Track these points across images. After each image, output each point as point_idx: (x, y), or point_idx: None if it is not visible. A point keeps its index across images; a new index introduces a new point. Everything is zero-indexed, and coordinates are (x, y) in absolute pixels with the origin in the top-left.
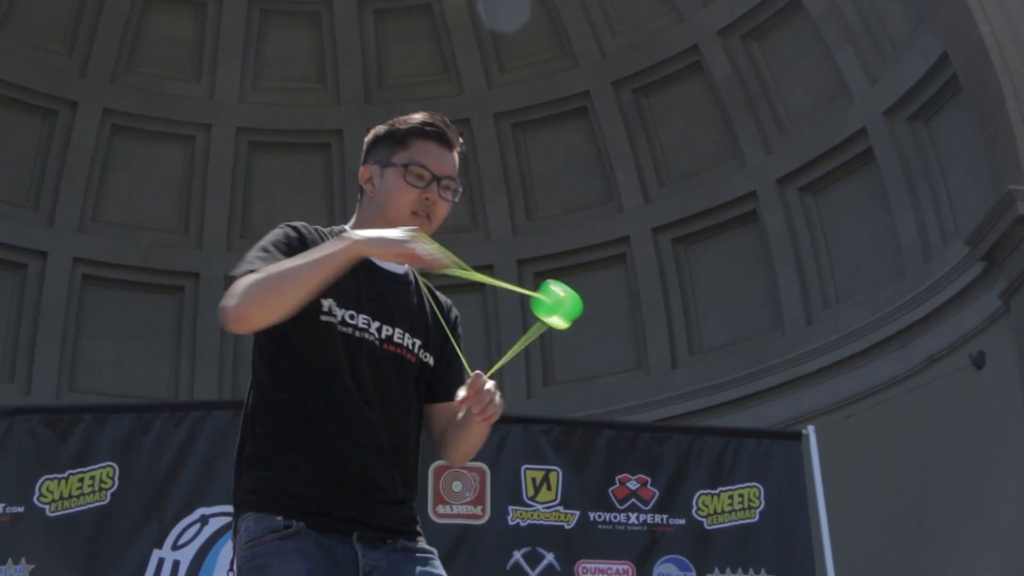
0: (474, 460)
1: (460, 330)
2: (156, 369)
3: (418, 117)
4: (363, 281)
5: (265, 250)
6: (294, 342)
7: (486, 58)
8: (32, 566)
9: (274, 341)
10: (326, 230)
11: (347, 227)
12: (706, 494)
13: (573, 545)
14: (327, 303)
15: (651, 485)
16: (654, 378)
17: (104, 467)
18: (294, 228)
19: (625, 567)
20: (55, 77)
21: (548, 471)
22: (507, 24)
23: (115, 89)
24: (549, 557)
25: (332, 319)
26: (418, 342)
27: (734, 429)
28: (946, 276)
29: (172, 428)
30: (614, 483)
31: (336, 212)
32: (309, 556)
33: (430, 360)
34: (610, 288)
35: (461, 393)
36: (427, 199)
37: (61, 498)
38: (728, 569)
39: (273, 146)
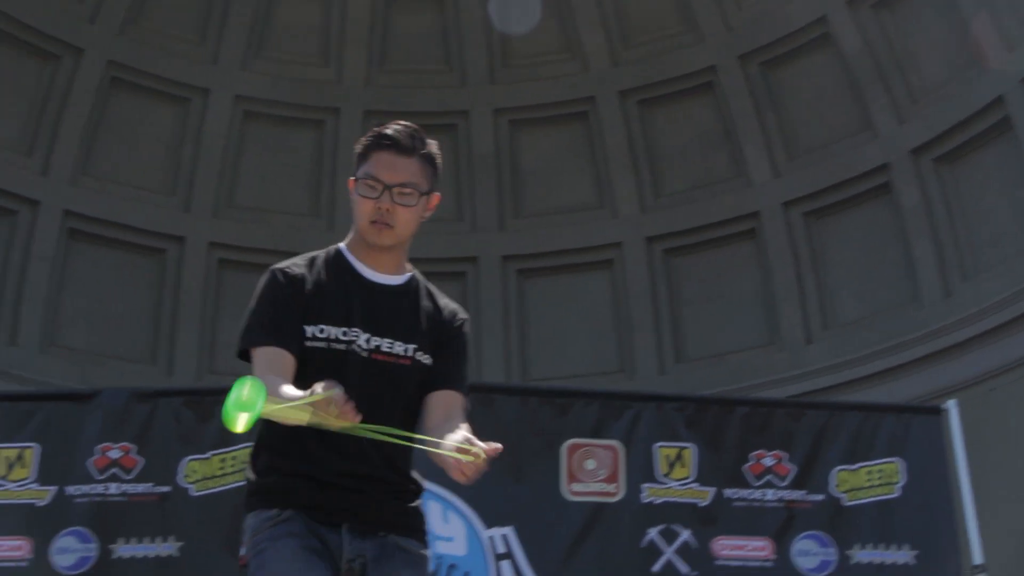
0: (607, 438)
1: (465, 329)
2: None
3: (380, 128)
4: (354, 297)
5: (259, 312)
6: None
7: (611, 35)
8: (181, 543)
9: None
10: (322, 253)
11: (343, 245)
12: (844, 470)
13: (709, 522)
14: (311, 330)
15: (787, 461)
16: (788, 354)
17: (245, 447)
18: (282, 273)
19: (762, 544)
20: (188, 66)
21: (682, 448)
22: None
23: (246, 75)
24: (685, 534)
25: (317, 343)
26: (412, 347)
27: (872, 404)
28: None
29: None
30: (749, 460)
31: (463, 190)
32: (300, 535)
33: (427, 360)
34: (741, 264)
35: (453, 439)
36: (380, 208)
37: (204, 478)
38: (869, 545)
39: None
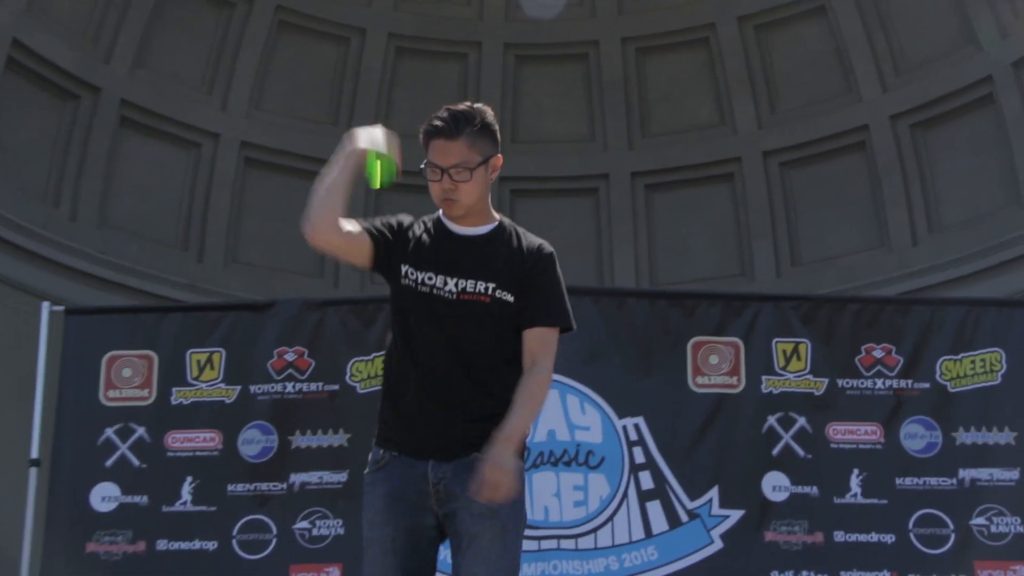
0: (729, 336)
1: (548, 261)
2: None
3: (431, 119)
4: (441, 247)
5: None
6: (392, 299)
7: None
8: (349, 435)
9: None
10: (430, 216)
11: (440, 213)
12: (949, 359)
13: (823, 410)
14: (404, 268)
15: (895, 353)
16: (895, 255)
17: None
18: (396, 219)
19: (873, 428)
20: (347, 9)
21: (798, 343)
22: None
23: (398, 15)
24: (801, 421)
25: (410, 281)
26: (491, 285)
27: (975, 299)
28: None
29: None
30: (860, 352)
31: (595, 114)
32: (391, 480)
33: (508, 297)
34: (851, 173)
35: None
36: (444, 189)
37: (369, 377)
38: (972, 428)
39: (537, 59)
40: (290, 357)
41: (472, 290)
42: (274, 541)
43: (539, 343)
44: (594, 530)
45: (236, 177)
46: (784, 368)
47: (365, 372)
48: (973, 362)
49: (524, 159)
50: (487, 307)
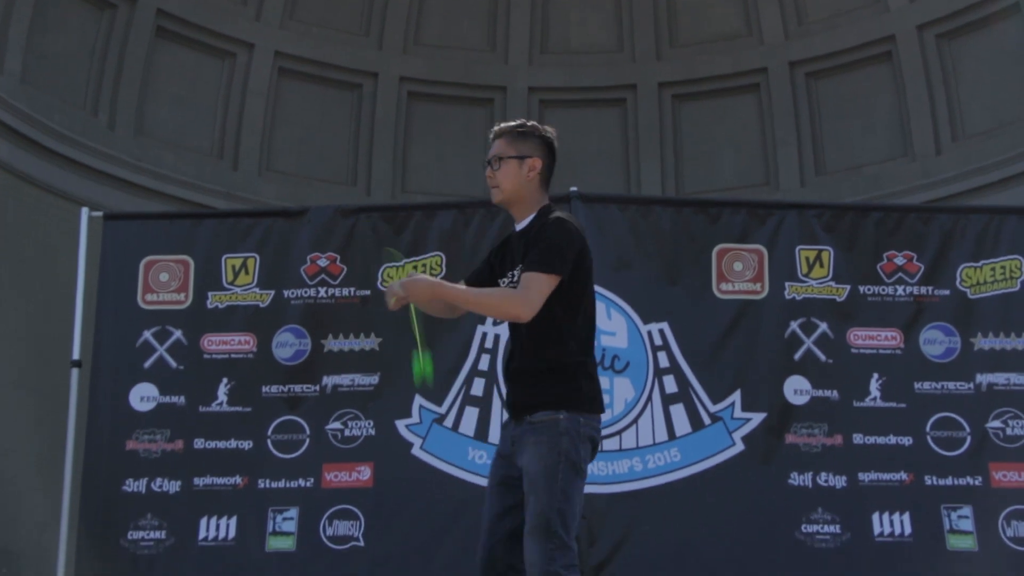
0: (752, 243)
1: (537, 229)
2: (473, 171)
3: None
4: (503, 249)
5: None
6: None
7: None
8: (380, 339)
9: None
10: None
11: None
12: (969, 267)
13: (844, 315)
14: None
15: (917, 260)
16: (919, 164)
17: (433, 256)
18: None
19: (893, 333)
20: None
21: (820, 250)
22: None
23: None
24: (823, 326)
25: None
26: (516, 271)
27: (996, 207)
28: None
29: (489, 221)
30: (882, 260)
31: (623, 24)
32: (500, 442)
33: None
34: (876, 84)
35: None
36: (489, 176)
37: None
38: (991, 333)
39: None
40: (323, 263)
41: (510, 280)
42: (307, 441)
43: (522, 281)
44: (619, 432)
45: (270, 87)
46: (807, 275)
47: (396, 277)
48: (993, 269)
49: (552, 70)
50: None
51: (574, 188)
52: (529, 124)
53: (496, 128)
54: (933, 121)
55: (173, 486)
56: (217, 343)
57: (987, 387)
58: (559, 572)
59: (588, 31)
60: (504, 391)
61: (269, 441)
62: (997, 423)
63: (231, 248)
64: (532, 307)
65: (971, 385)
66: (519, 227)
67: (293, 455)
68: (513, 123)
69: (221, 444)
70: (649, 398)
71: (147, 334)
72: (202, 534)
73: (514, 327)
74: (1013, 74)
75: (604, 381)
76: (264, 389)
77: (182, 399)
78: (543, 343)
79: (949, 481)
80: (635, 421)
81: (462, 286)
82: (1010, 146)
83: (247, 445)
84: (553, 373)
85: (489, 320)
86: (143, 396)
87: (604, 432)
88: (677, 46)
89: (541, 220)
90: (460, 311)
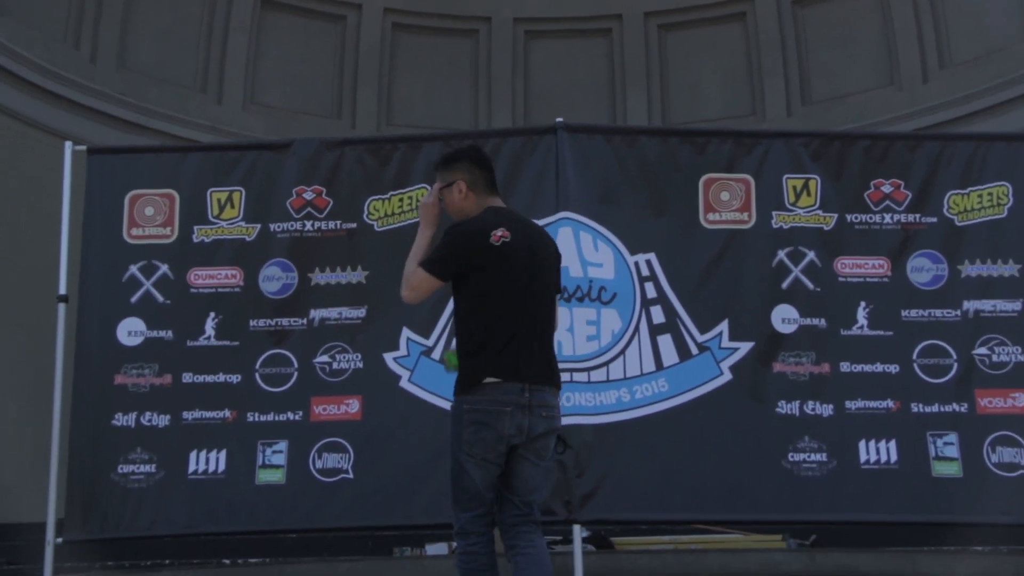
0: (740, 172)
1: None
2: (458, 103)
3: None
4: None
5: None
6: None
7: None
8: (367, 272)
9: None
10: None
11: None
12: (956, 194)
13: (832, 244)
14: None
15: (904, 188)
16: (906, 92)
17: (419, 188)
18: None
19: (880, 261)
20: None
21: (807, 179)
22: None
23: None
24: (810, 255)
25: None
26: None
27: (983, 134)
28: None
29: None
30: (869, 188)
31: None
32: None
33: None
34: (863, 11)
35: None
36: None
37: (386, 215)
38: (978, 260)
39: None
40: (308, 196)
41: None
42: (295, 375)
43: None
44: (606, 363)
45: (253, 19)
46: (794, 204)
47: (382, 210)
48: (980, 196)
49: (537, 0)
50: None
51: (559, 119)
52: (448, 153)
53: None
54: (920, 48)
55: (162, 420)
56: (204, 277)
57: (974, 314)
58: (454, 539)
59: None
60: None
61: (257, 375)
62: (983, 350)
63: (217, 182)
64: (408, 291)
65: (958, 312)
66: None
67: (281, 389)
68: (439, 157)
69: (209, 378)
70: (636, 329)
71: (133, 269)
72: (192, 468)
73: None
74: (1000, 1)
75: (591, 312)
76: (251, 323)
77: (169, 333)
78: (457, 336)
79: (935, 408)
80: (622, 352)
81: (424, 240)
82: (997, 73)
83: (235, 379)
84: (464, 354)
85: None
86: (131, 331)
87: (592, 363)
88: None
89: None
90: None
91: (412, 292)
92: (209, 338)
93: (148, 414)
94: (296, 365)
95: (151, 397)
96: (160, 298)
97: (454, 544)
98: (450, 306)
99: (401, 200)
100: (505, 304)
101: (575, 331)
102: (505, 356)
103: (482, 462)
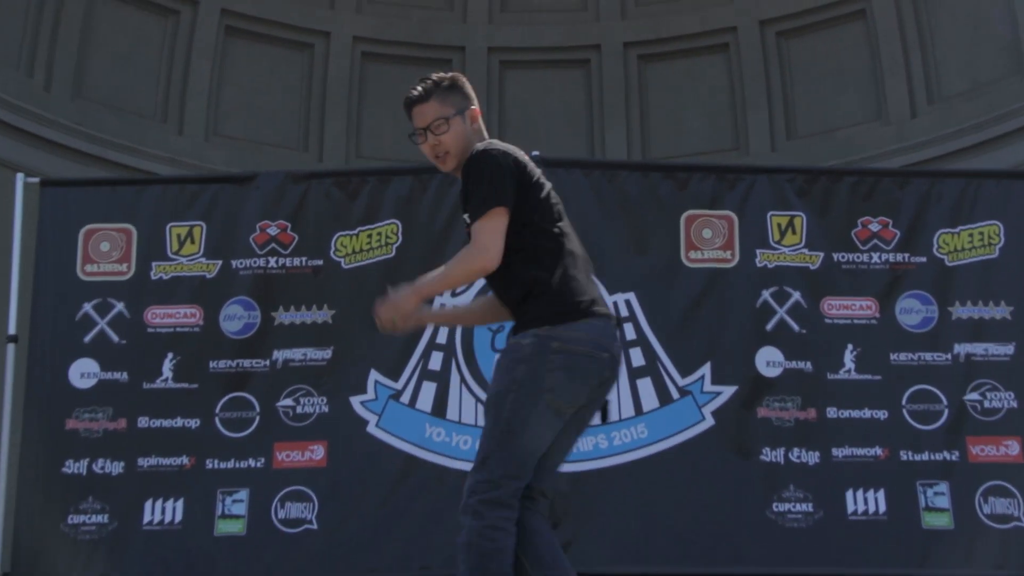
0: (722, 209)
1: (464, 171)
2: None
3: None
4: None
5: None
6: None
7: None
8: (333, 311)
9: None
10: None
11: None
12: (946, 233)
13: (818, 284)
14: None
15: (892, 226)
16: (894, 127)
17: (389, 224)
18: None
19: (868, 302)
20: None
21: (793, 216)
22: None
23: None
24: (796, 295)
25: None
26: (465, 216)
27: (974, 171)
28: None
29: (447, 187)
30: (856, 226)
31: None
32: None
33: (467, 218)
34: (850, 43)
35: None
36: (430, 147)
37: (354, 252)
38: (968, 302)
39: None
40: (273, 231)
41: (467, 229)
42: (257, 419)
43: (471, 234)
44: None
45: (217, 46)
46: (779, 242)
47: (349, 247)
48: (971, 235)
49: (513, 29)
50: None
51: (536, 152)
52: (447, 76)
53: (414, 93)
54: (908, 82)
55: (116, 467)
56: (161, 316)
57: (965, 358)
58: (475, 507)
59: None
60: None
61: (217, 419)
62: (975, 395)
63: (176, 216)
64: (490, 252)
65: (948, 356)
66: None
67: (242, 434)
68: (428, 79)
69: (166, 423)
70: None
71: (87, 307)
72: (147, 518)
73: (493, 281)
74: (990, 34)
75: None
76: (212, 364)
77: (125, 375)
78: (506, 278)
79: (925, 456)
80: None
81: (432, 272)
82: (987, 108)
83: (194, 424)
84: (524, 301)
85: (447, 291)
86: (83, 372)
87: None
88: (643, 4)
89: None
90: (502, 312)
91: (491, 239)
92: (166, 380)
93: (101, 461)
94: (258, 409)
95: (104, 443)
96: (115, 338)
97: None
98: (421, 348)
99: (370, 236)
100: (566, 226)
101: None
102: (592, 286)
103: (555, 418)
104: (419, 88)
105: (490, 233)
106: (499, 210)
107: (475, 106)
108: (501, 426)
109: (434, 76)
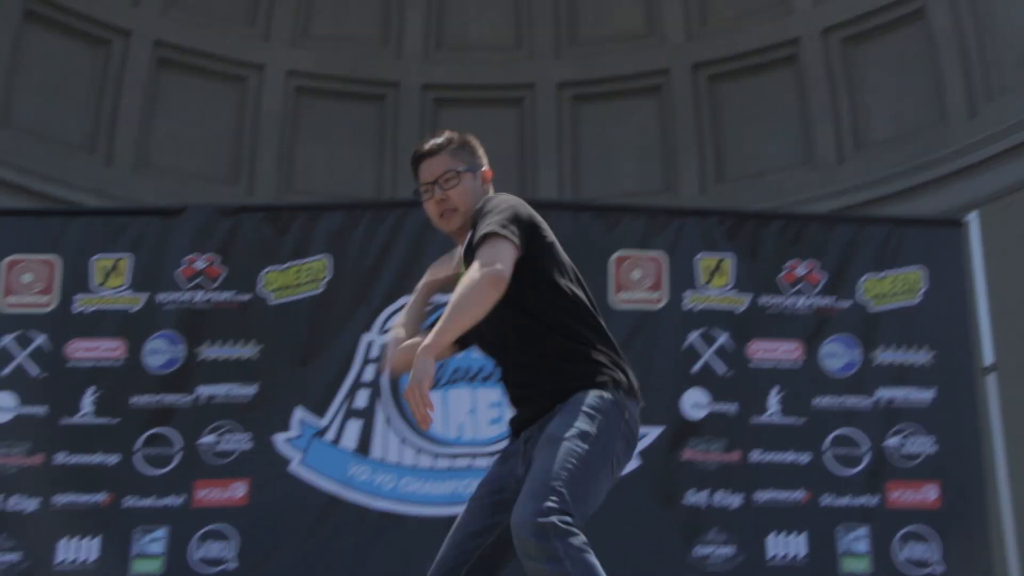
0: (652, 249)
1: (484, 209)
2: (362, 171)
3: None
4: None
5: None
6: None
7: None
8: (260, 347)
9: None
10: None
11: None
12: (871, 278)
13: (745, 327)
14: None
15: (818, 270)
16: (822, 172)
17: (319, 259)
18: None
19: (794, 346)
20: None
21: (721, 259)
22: None
23: None
24: (723, 338)
25: None
26: None
27: (899, 217)
28: None
29: (378, 224)
30: (783, 269)
31: (521, 20)
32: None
33: None
34: (780, 88)
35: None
36: (439, 200)
37: (282, 287)
38: (892, 346)
39: None
40: (200, 265)
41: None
42: (178, 455)
43: (476, 257)
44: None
45: (148, 77)
46: (707, 284)
47: (278, 282)
48: (895, 281)
49: (448, 66)
50: None
51: None
52: (459, 134)
53: (424, 147)
54: (836, 128)
55: (31, 504)
56: (83, 350)
57: (886, 403)
58: (555, 524)
59: (485, 27)
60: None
61: (137, 455)
62: (895, 440)
63: (102, 248)
64: (504, 273)
65: (870, 400)
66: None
67: (163, 471)
68: (440, 138)
69: (85, 458)
70: None
71: (7, 339)
72: (60, 557)
73: (502, 347)
74: (916, 81)
75: (494, 394)
76: (133, 399)
77: (44, 409)
78: (532, 341)
79: (846, 500)
80: None
81: (437, 325)
82: (913, 155)
83: (113, 460)
84: (559, 385)
85: (375, 328)
86: (1, 406)
87: (495, 448)
88: (577, 45)
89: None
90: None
91: (505, 260)
92: (86, 415)
93: (15, 497)
94: (180, 445)
95: (19, 478)
96: (35, 371)
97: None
98: (347, 386)
99: (299, 271)
100: (584, 291)
101: (478, 414)
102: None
103: (608, 483)
104: (429, 143)
105: (503, 254)
106: (512, 241)
107: (487, 167)
108: (578, 465)
109: (446, 133)
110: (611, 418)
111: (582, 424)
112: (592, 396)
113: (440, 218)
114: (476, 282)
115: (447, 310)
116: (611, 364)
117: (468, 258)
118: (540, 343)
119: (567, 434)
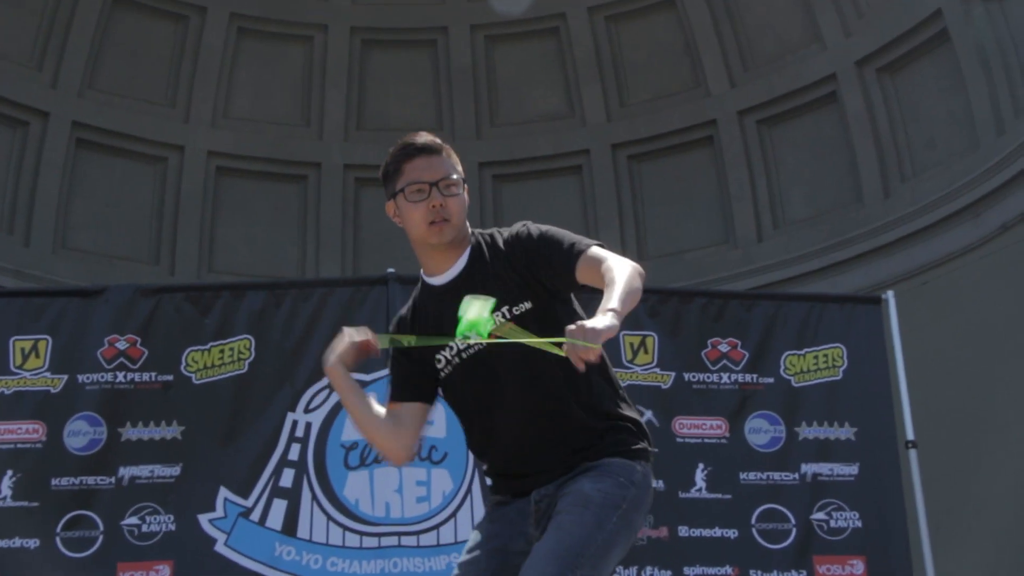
0: None
1: (533, 233)
2: (285, 250)
3: (406, 141)
4: (439, 312)
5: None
6: (445, 396)
7: None
8: (183, 427)
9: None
10: (412, 296)
11: (421, 278)
12: (793, 354)
13: (669, 403)
14: (438, 359)
15: (741, 348)
16: (741, 251)
17: (242, 339)
18: (394, 326)
19: (718, 422)
20: None
21: (645, 336)
22: None
23: None
24: (648, 414)
25: (449, 366)
26: (503, 309)
27: (818, 295)
28: (1019, 148)
29: (301, 303)
30: (706, 346)
31: (442, 102)
32: (503, 505)
33: (526, 304)
34: (698, 168)
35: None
36: (434, 206)
37: (205, 367)
38: (815, 422)
39: (384, 43)
40: (122, 345)
41: (475, 342)
42: (101, 538)
43: (595, 260)
44: (436, 527)
45: (67, 158)
46: (631, 361)
47: (201, 362)
48: (816, 357)
49: (369, 147)
50: (509, 343)
51: (391, 269)
52: (439, 142)
53: (429, 140)
54: (755, 207)
55: None
56: (2, 432)
57: (812, 477)
58: None
59: (406, 108)
60: (517, 481)
61: (58, 539)
62: (821, 515)
63: (20, 329)
64: (640, 277)
65: (796, 475)
66: (454, 272)
67: (85, 554)
68: (435, 138)
69: (3, 543)
70: (469, 490)
71: None
72: None
73: (523, 402)
74: (831, 162)
75: (421, 472)
76: (54, 482)
77: None
78: (569, 393)
79: (774, 575)
80: (454, 515)
81: (612, 295)
82: (829, 234)
83: (33, 544)
84: (598, 435)
85: (300, 407)
86: None
87: (422, 526)
88: (498, 125)
89: (504, 238)
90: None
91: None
92: (5, 499)
93: None
94: (102, 528)
95: None
96: None
97: None
98: (272, 465)
99: (222, 351)
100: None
101: (404, 492)
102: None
103: (623, 554)
104: (430, 137)
105: (617, 257)
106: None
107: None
108: (606, 538)
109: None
110: (641, 491)
111: (615, 494)
112: (627, 466)
113: (429, 226)
114: (636, 272)
115: (617, 289)
116: (639, 430)
117: (467, 286)
118: (573, 396)
119: (599, 500)
